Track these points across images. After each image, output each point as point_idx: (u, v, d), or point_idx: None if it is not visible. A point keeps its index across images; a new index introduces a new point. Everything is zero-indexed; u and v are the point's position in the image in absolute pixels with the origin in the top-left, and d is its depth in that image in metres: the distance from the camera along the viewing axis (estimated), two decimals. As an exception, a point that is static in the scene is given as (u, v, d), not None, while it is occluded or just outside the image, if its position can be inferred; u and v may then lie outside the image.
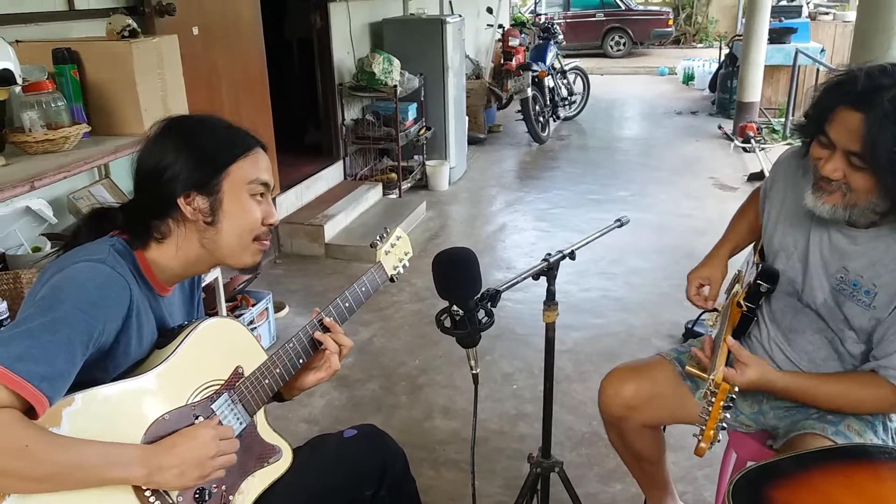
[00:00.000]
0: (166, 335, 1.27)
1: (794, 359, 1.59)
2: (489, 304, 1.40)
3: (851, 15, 8.47)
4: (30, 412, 1.01)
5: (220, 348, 1.28)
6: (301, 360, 1.39)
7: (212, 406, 1.24)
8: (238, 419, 1.28)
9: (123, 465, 1.08)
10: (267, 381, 1.33)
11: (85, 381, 1.11)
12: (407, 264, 1.67)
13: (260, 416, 1.36)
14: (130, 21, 2.46)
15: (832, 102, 1.36)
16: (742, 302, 1.64)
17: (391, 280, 1.61)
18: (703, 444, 1.42)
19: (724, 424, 1.41)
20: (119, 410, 1.13)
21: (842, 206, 1.40)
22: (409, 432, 2.70)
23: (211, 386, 1.25)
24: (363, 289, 1.52)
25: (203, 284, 2.80)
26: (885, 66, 1.35)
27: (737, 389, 1.42)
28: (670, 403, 1.73)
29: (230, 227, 1.25)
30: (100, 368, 1.15)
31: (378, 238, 1.63)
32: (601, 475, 2.40)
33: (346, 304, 1.47)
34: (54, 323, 1.05)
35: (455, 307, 1.37)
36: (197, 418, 1.21)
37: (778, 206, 1.63)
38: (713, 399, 1.41)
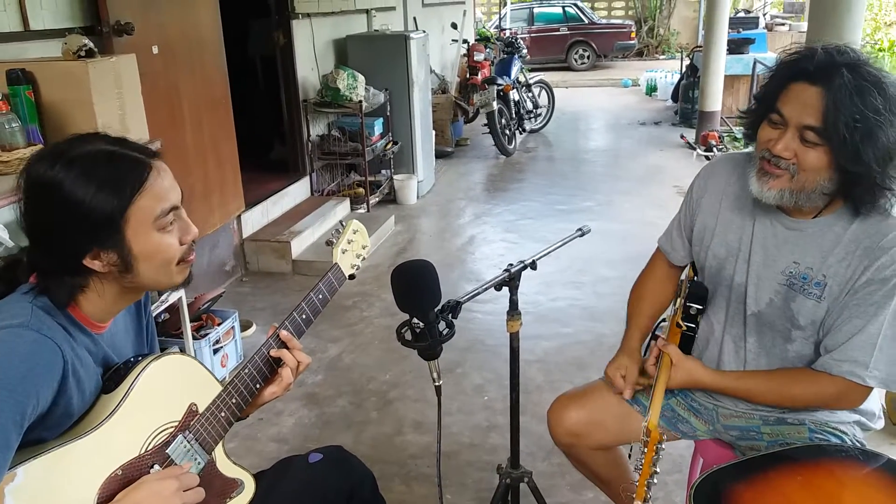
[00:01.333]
0: (112, 377, 1.19)
1: (750, 365, 1.56)
2: (450, 315, 1.40)
3: (805, 25, 8.69)
4: None
5: (171, 388, 1.22)
6: (258, 386, 1.34)
7: (166, 451, 1.19)
8: (195, 459, 1.23)
9: None
10: (223, 414, 1.28)
11: (30, 441, 1.05)
12: (366, 257, 1.60)
13: (219, 451, 1.30)
14: (87, 41, 2.43)
15: (787, 78, 1.35)
16: (681, 322, 1.63)
17: (351, 277, 1.54)
18: (637, 502, 1.41)
19: (655, 480, 1.41)
20: (67, 474, 1.06)
21: (789, 190, 1.37)
22: (379, 448, 2.68)
23: (165, 430, 1.19)
24: (320, 296, 1.45)
25: (167, 305, 2.76)
26: (839, 46, 1.35)
27: (665, 438, 1.42)
28: (614, 427, 1.73)
29: (147, 267, 1.15)
30: (40, 430, 1.08)
31: (333, 234, 1.55)
32: (573, 484, 2.41)
33: (304, 316, 1.42)
34: None
35: (415, 319, 1.36)
36: (152, 467, 1.16)
37: (714, 214, 1.60)
38: (645, 449, 1.41)
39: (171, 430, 1.20)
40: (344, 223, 1.58)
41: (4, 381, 0.99)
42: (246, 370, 1.33)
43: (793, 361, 1.51)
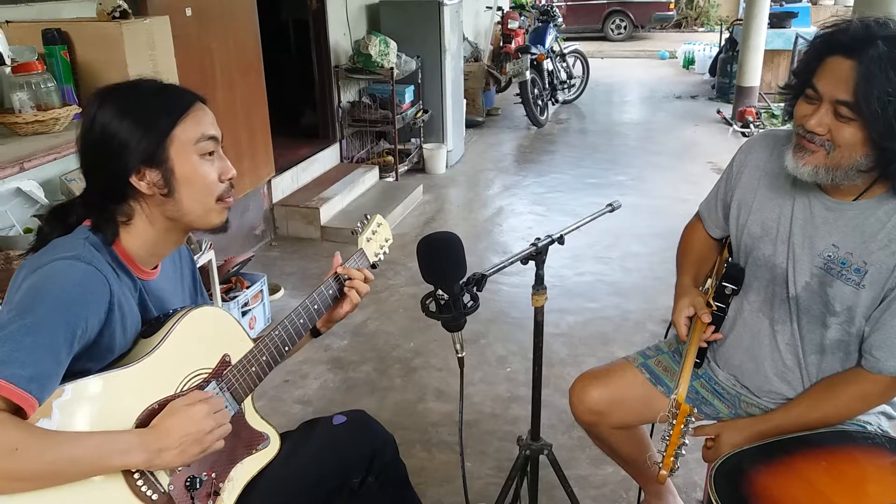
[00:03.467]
0: (151, 324, 1.26)
1: (783, 350, 1.53)
2: (475, 288, 1.40)
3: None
4: (19, 412, 1.02)
5: (207, 337, 1.28)
6: (287, 348, 1.39)
7: None
8: (227, 407, 1.28)
9: (121, 452, 1.08)
10: (254, 369, 1.33)
11: (73, 372, 1.11)
12: (387, 251, 1.69)
13: (248, 404, 1.36)
14: (121, 1, 2.44)
15: (822, 52, 1.31)
16: (711, 301, 1.60)
17: (373, 266, 1.62)
18: (663, 472, 1.41)
19: (684, 451, 1.40)
20: (109, 400, 1.13)
21: (824, 167, 1.33)
22: (402, 414, 2.72)
23: (199, 374, 1.26)
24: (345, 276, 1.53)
25: (198, 265, 2.80)
26: (879, 19, 1.30)
27: (696, 411, 1.41)
28: (636, 407, 1.72)
29: (188, 193, 1.23)
30: (85, 361, 1.14)
31: (359, 225, 1.64)
32: (592, 458, 2.42)
33: (330, 291, 1.49)
34: (36, 324, 1.04)
35: (440, 291, 1.36)
36: None
37: (752, 190, 1.56)
38: (674, 421, 1.40)
39: (205, 375, 1.27)
40: (368, 216, 1.67)
41: (58, 303, 1.07)
42: (276, 332, 1.37)
43: (831, 350, 1.47)
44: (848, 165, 1.32)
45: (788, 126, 1.47)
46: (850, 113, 1.27)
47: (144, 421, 1.16)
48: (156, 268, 1.31)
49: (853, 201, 1.40)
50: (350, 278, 1.50)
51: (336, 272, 1.51)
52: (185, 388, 1.23)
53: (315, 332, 1.55)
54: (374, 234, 1.64)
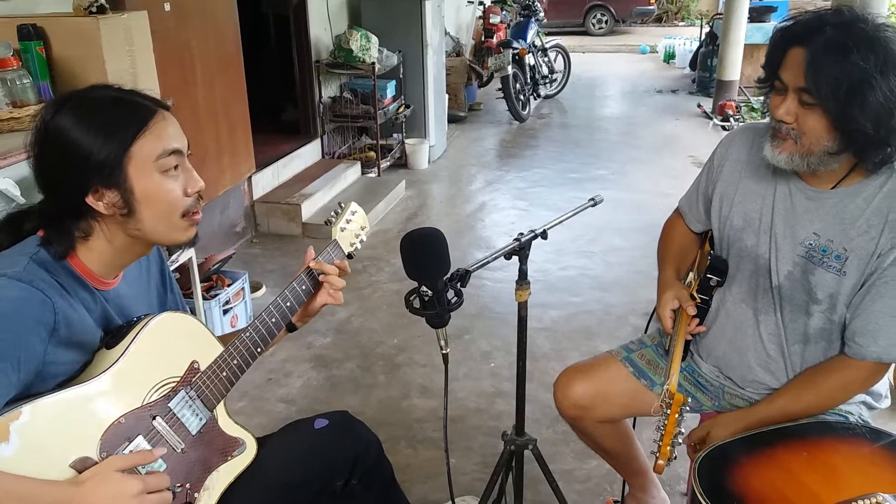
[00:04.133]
0: (113, 335, 1.20)
1: (766, 340, 1.55)
2: (459, 283, 1.40)
3: (831, -7, 8.46)
4: None
5: (173, 344, 1.24)
6: (259, 349, 1.35)
7: (168, 405, 1.21)
8: (197, 415, 1.26)
9: None
10: (225, 374, 1.29)
11: (28, 393, 1.06)
12: (364, 239, 1.63)
13: (220, 410, 1.31)
14: (98, -4, 2.40)
15: (783, 45, 1.36)
16: (695, 294, 1.62)
17: (349, 257, 1.57)
18: (660, 462, 1.43)
19: (680, 440, 1.42)
20: (71, 418, 1.08)
21: (798, 154, 1.38)
22: (386, 411, 2.71)
23: (167, 384, 1.21)
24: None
25: (177, 265, 2.77)
26: (836, 8, 1.35)
27: (690, 400, 1.42)
28: (620, 401, 1.73)
29: (150, 213, 1.16)
30: (38, 380, 1.09)
31: (332, 214, 1.58)
32: (577, 452, 2.43)
33: (303, 287, 1.45)
34: None
35: (424, 287, 1.36)
36: (154, 418, 1.18)
37: (734, 182, 1.59)
38: (668, 411, 1.41)
39: (173, 384, 1.23)
40: (343, 204, 1.61)
41: None
42: (247, 334, 1.34)
43: (814, 338, 1.49)
44: (819, 151, 1.36)
45: (768, 119, 1.49)
46: (810, 98, 1.31)
47: (111, 436, 1.11)
48: (116, 276, 1.26)
49: (832, 189, 1.43)
50: (324, 273, 1.46)
51: (308, 267, 1.46)
52: (153, 399, 1.19)
53: (291, 327, 1.50)
54: (348, 223, 1.59)
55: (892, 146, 1.33)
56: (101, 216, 1.16)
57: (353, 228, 1.60)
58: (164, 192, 1.17)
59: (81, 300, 1.16)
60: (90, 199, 1.13)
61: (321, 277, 1.47)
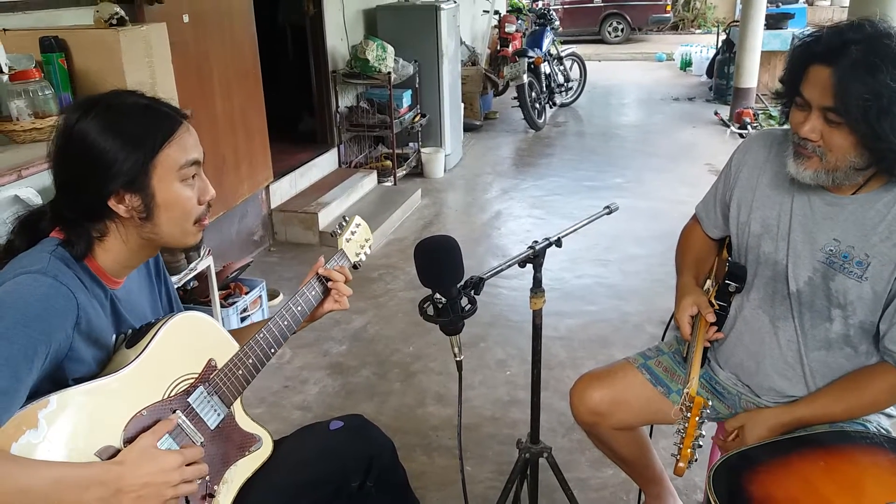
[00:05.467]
0: (135, 333, 1.25)
1: (783, 347, 1.53)
2: (472, 291, 1.40)
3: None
4: None
5: (191, 342, 1.28)
6: (273, 350, 1.39)
7: (188, 399, 1.24)
8: (215, 410, 1.29)
9: (79, 488, 1.03)
10: (241, 372, 1.33)
11: (50, 385, 1.10)
12: (369, 251, 1.68)
13: (237, 407, 1.35)
14: (118, 9, 2.45)
15: (803, 62, 1.34)
16: (713, 301, 1.61)
17: (354, 267, 1.61)
18: (681, 464, 1.42)
19: (701, 443, 1.41)
20: (96, 408, 1.12)
21: (823, 170, 1.37)
22: (402, 419, 2.72)
23: (186, 380, 1.25)
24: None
25: (196, 273, 2.80)
26: (853, 22, 1.32)
27: (710, 404, 1.42)
28: (637, 408, 1.73)
29: (168, 218, 1.21)
30: (61, 375, 1.13)
31: (338, 227, 1.63)
32: (592, 460, 2.42)
33: (313, 293, 1.49)
34: None
35: (438, 295, 1.37)
36: (174, 412, 1.21)
37: (752, 189, 1.58)
38: (688, 414, 1.41)
39: (192, 380, 1.26)
40: (347, 218, 1.66)
41: (19, 318, 1.05)
42: (261, 335, 1.37)
43: (834, 344, 1.48)
44: (845, 167, 1.35)
45: (786, 125, 1.49)
46: (837, 117, 1.30)
47: (133, 427, 1.14)
48: (124, 276, 1.30)
49: (852, 195, 1.42)
50: (332, 280, 1.50)
51: (318, 273, 1.50)
52: (173, 394, 1.22)
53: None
54: (353, 234, 1.63)
55: None
56: (119, 218, 1.20)
57: (357, 241, 1.65)
58: (184, 200, 1.22)
59: (96, 297, 1.21)
60: (112, 202, 1.17)
61: (329, 284, 1.51)
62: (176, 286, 2.69)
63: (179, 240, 1.26)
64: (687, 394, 1.42)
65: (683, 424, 1.42)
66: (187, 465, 1.15)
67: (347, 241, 1.61)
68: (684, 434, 1.42)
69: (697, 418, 1.40)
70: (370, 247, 1.69)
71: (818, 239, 1.45)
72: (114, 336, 1.24)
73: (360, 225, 1.67)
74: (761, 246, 1.55)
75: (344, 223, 1.64)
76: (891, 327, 1.41)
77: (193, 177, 1.23)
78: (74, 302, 1.12)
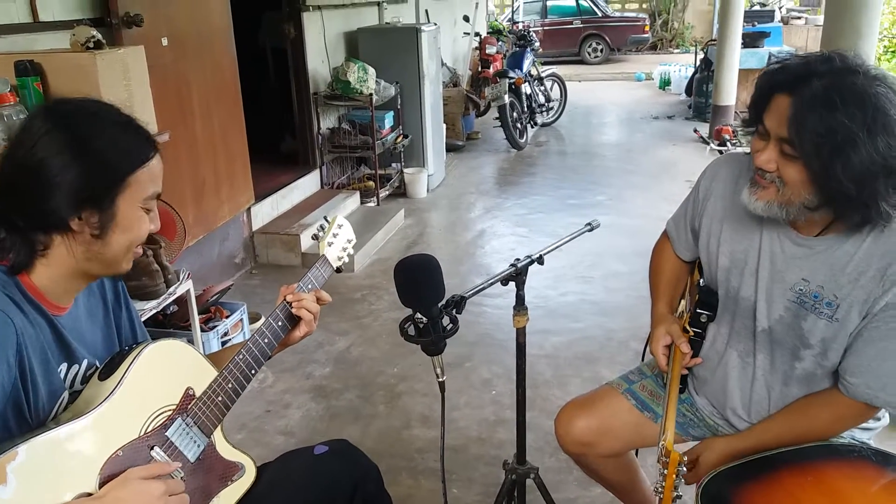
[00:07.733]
0: (107, 365, 1.19)
1: (751, 382, 1.51)
2: (454, 310, 1.39)
3: (822, 19, 8.58)
4: None
5: (167, 372, 1.23)
6: (253, 371, 1.34)
7: (165, 433, 1.20)
8: (195, 442, 1.24)
9: None
10: (220, 399, 1.28)
11: (22, 431, 1.05)
12: (352, 251, 1.62)
13: (218, 435, 1.31)
14: (95, 32, 2.43)
15: (769, 90, 1.30)
16: (687, 327, 1.59)
17: (338, 270, 1.56)
18: None
19: (681, 493, 1.38)
20: (68, 455, 1.06)
21: (776, 202, 1.32)
22: (387, 441, 2.68)
23: (163, 412, 1.20)
24: (309, 286, 1.47)
25: (175, 297, 2.76)
26: (826, 55, 1.27)
27: (685, 459, 1.39)
28: (624, 434, 1.70)
29: (119, 241, 1.16)
30: (21, 409, 1.07)
31: (319, 229, 1.57)
32: (580, 479, 2.39)
33: (279, 323, 1.42)
34: None
35: (419, 315, 1.35)
36: (152, 449, 1.17)
37: (719, 220, 1.53)
38: (665, 471, 1.38)
39: (169, 413, 1.21)
40: (329, 218, 1.60)
41: None
42: (240, 356, 1.32)
43: (798, 380, 1.45)
44: (798, 202, 1.30)
45: None
46: (791, 150, 1.26)
47: (110, 470, 1.09)
48: (69, 302, 1.22)
49: (818, 237, 1.38)
50: (298, 302, 1.42)
51: (284, 300, 1.42)
52: (150, 429, 1.17)
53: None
54: (335, 237, 1.57)
55: (873, 208, 1.24)
56: (69, 232, 1.13)
57: (340, 243, 1.58)
58: (138, 227, 1.19)
59: (35, 323, 1.13)
60: (72, 215, 1.11)
61: (294, 305, 1.42)
62: (155, 311, 2.67)
63: (119, 264, 1.20)
64: (663, 447, 1.39)
65: (661, 483, 1.39)
66: (171, 494, 1.11)
67: (329, 244, 1.55)
68: (662, 494, 1.39)
69: (675, 478, 1.37)
70: (353, 247, 1.63)
71: (787, 278, 1.41)
72: (64, 366, 1.18)
73: (342, 226, 1.60)
74: (730, 280, 1.51)
75: (326, 224, 1.58)
76: (847, 356, 1.38)
77: (150, 210, 1.20)
78: (12, 326, 1.05)
